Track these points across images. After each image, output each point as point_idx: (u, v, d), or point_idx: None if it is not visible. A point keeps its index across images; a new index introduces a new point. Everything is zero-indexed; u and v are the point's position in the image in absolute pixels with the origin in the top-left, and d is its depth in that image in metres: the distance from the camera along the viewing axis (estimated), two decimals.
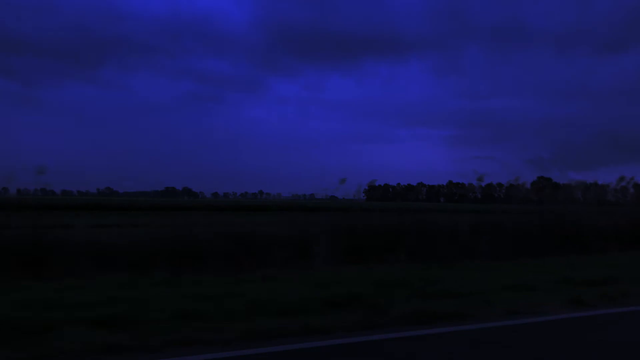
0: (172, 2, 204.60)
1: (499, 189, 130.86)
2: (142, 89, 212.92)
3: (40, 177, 9.64)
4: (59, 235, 8.39)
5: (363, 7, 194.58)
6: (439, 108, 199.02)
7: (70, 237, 8.68)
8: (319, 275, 8.16)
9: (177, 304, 5.80)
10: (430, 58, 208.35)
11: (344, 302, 6.25)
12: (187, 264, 8.28)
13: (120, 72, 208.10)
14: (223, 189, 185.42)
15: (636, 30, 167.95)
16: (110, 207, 48.53)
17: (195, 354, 4.35)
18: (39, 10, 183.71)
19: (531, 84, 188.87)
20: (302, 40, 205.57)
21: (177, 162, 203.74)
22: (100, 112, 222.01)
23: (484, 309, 6.13)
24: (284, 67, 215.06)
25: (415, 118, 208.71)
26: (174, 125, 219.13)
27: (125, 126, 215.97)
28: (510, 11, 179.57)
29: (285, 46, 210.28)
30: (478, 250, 10.89)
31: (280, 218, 16.26)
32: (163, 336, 4.75)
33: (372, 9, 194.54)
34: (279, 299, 6.29)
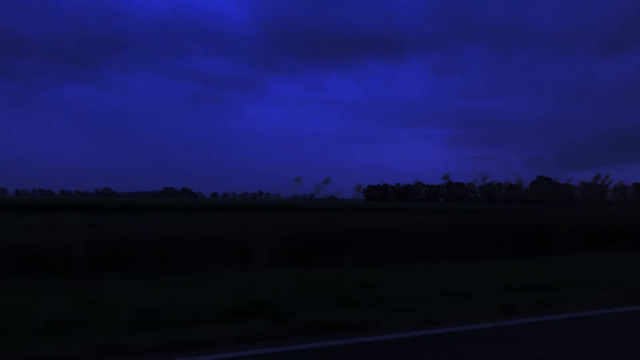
0: (172, 3, 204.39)
1: (498, 189, 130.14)
2: (141, 89, 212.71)
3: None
4: None
5: (363, 7, 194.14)
6: (439, 108, 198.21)
7: None
8: (246, 280, 7.65)
9: (56, 313, 5.30)
10: (430, 58, 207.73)
11: (249, 311, 5.73)
12: (110, 268, 7.77)
13: (119, 72, 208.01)
14: (223, 190, 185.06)
15: (636, 30, 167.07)
16: (93, 207, 47.91)
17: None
18: (39, 11, 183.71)
19: (531, 84, 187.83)
20: (302, 40, 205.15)
21: (176, 162, 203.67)
22: (99, 112, 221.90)
23: (398, 318, 5.60)
24: (284, 67, 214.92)
25: (415, 118, 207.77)
26: (174, 126, 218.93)
27: (125, 126, 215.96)
28: (510, 11, 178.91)
29: (285, 46, 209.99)
30: (436, 252, 10.37)
31: (245, 219, 15.65)
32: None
33: (372, 9, 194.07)
34: (179, 308, 5.79)
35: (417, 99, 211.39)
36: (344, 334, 4.99)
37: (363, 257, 9.42)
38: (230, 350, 4.51)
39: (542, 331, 5.22)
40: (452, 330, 5.13)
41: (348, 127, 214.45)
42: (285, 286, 7.17)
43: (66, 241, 7.65)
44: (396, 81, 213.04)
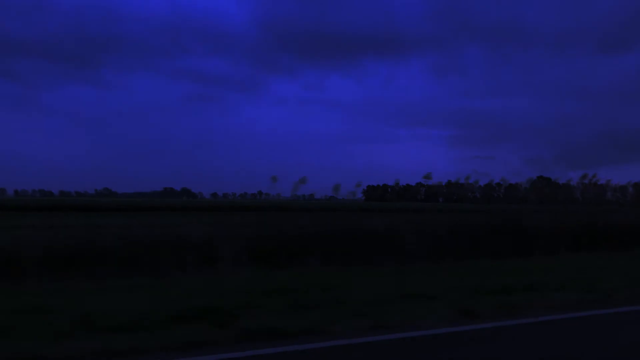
0: (172, 2, 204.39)
1: (497, 189, 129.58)
2: (141, 89, 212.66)
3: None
4: None
5: (363, 6, 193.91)
6: (439, 108, 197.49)
7: None
8: (205, 282, 7.42)
9: None
10: (430, 58, 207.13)
11: (195, 315, 5.50)
12: (66, 270, 7.54)
13: (119, 72, 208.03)
14: (223, 190, 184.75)
15: (636, 30, 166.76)
16: (91, 208, 47.76)
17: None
18: (38, 11, 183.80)
19: (531, 84, 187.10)
20: (302, 40, 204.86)
21: (176, 162, 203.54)
22: (99, 112, 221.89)
23: (351, 323, 5.36)
24: (284, 66, 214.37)
25: (415, 118, 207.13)
26: (173, 126, 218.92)
27: (125, 126, 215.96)
28: (510, 11, 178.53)
29: (285, 46, 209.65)
30: (412, 253, 10.12)
31: (218, 219, 15.40)
32: None
33: (372, 8, 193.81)
34: (123, 312, 5.55)
35: (417, 99, 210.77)
36: (286, 340, 4.75)
37: (334, 259, 9.18)
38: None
39: (496, 338, 4.97)
40: (400, 337, 4.89)
41: (348, 127, 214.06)
42: (243, 289, 6.94)
43: (21, 243, 7.43)
44: (396, 81, 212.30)
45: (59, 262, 7.47)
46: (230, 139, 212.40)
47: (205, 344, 4.67)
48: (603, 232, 12.83)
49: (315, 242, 9.23)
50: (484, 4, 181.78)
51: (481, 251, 10.87)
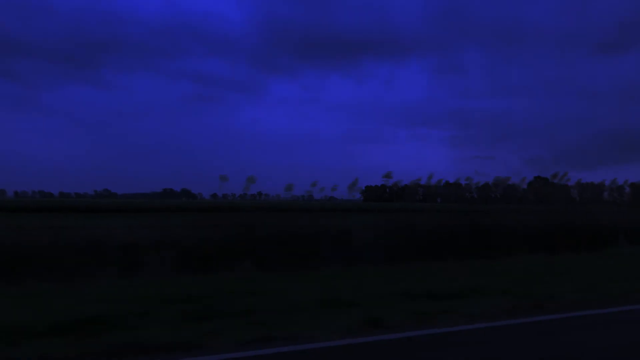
0: (171, 4, 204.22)
1: (495, 189, 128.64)
2: (141, 90, 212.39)
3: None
4: None
5: (362, 8, 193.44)
6: (439, 108, 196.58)
7: None
8: (113, 289, 7.00)
9: None
10: (430, 58, 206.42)
11: (70, 327, 5.10)
12: None
13: (119, 73, 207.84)
14: (222, 190, 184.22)
15: (636, 30, 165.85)
16: (90, 209, 47.34)
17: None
18: (38, 12, 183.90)
19: (531, 84, 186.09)
20: (301, 41, 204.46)
21: (176, 163, 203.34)
22: (99, 113, 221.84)
23: (232, 336, 4.92)
24: (284, 67, 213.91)
25: (415, 118, 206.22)
26: (173, 127, 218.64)
27: (125, 127, 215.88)
28: (509, 11, 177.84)
29: (285, 47, 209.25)
30: (356, 255, 9.70)
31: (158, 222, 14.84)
32: None
33: (372, 9, 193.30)
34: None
35: (417, 99, 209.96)
36: (147, 356, 4.34)
37: (272, 263, 8.75)
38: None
39: (379, 352, 4.54)
40: (276, 352, 4.46)
41: (348, 127, 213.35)
42: (149, 296, 6.53)
43: None
44: (396, 81, 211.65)
45: None
46: (230, 140, 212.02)
47: (69, 358, 4.27)
48: (574, 233, 12.38)
49: (251, 244, 8.80)
50: (484, 4, 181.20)
51: (436, 253, 10.43)
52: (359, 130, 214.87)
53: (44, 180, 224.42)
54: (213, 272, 8.33)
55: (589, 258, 10.68)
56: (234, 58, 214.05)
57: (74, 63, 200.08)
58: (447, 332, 5.19)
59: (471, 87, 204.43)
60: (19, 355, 4.29)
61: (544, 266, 9.80)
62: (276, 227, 9.49)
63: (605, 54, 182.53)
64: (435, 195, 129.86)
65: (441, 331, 5.23)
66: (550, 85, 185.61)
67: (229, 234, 9.09)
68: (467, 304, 6.50)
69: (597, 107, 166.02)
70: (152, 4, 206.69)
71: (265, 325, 5.28)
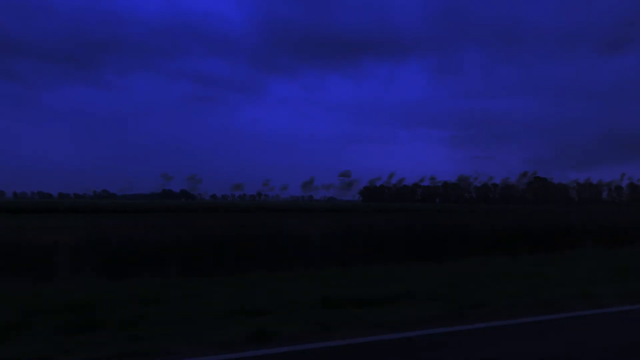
0: (171, 4, 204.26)
1: (493, 189, 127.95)
2: (140, 90, 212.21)
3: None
4: None
5: (362, 8, 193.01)
6: (439, 108, 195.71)
7: None
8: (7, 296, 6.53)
9: None
10: (430, 58, 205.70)
11: None
12: None
13: (119, 73, 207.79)
14: (222, 191, 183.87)
15: (636, 30, 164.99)
16: (89, 209, 46.76)
17: None
18: (38, 12, 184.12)
19: (531, 84, 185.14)
20: (301, 41, 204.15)
21: (175, 164, 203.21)
22: (99, 113, 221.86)
23: (99, 351, 4.45)
24: (283, 68, 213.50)
25: (415, 118, 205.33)
26: (173, 127, 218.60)
27: (124, 128, 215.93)
28: (509, 11, 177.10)
29: (285, 47, 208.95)
30: (293, 258, 9.21)
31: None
32: None
33: (372, 9, 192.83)
34: None
35: (417, 99, 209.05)
36: None
37: (200, 266, 8.28)
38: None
39: None
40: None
41: (348, 127, 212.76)
42: (34, 305, 6.04)
43: None
44: (396, 81, 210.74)
45: None
46: (230, 140, 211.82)
47: None
48: (534, 234, 11.87)
49: (177, 248, 8.32)
50: (484, 4, 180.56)
51: (391, 255, 9.95)
52: (359, 130, 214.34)
53: (44, 181, 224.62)
54: (137, 276, 7.86)
55: (545, 260, 10.15)
56: (234, 58, 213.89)
57: (74, 63, 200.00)
58: (336, 346, 4.69)
59: (471, 87, 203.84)
60: None
61: (494, 269, 9.28)
62: (217, 229, 9.02)
63: (605, 54, 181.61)
64: (434, 196, 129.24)
65: (331, 345, 4.73)
66: (550, 85, 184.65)
67: (164, 236, 8.62)
68: (387, 311, 6.00)
69: (597, 107, 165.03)
70: (152, 4, 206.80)
71: (140, 339, 4.80)
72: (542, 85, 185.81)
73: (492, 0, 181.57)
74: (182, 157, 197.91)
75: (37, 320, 5.39)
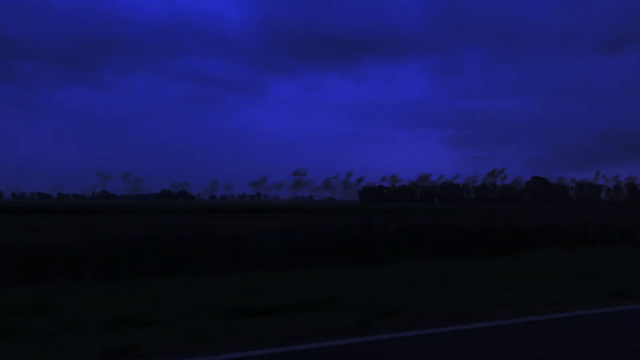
0: (171, 4, 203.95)
1: (492, 189, 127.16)
2: (140, 90, 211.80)
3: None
4: None
5: (362, 8, 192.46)
6: (439, 108, 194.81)
7: None
8: None
9: None
10: (430, 58, 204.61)
11: None
12: None
13: (118, 73, 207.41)
14: (221, 192, 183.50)
15: (636, 30, 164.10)
16: (88, 210, 46.10)
17: None
18: (38, 12, 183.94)
19: (531, 84, 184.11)
20: (301, 41, 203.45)
21: (175, 164, 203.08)
22: (98, 114, 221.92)
23: None
24: (283, 68, 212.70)
25: (415, 118, 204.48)
26: (173, 127, 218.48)
27: (124, 128, 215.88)
28: (509, 11, 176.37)
29: (285, 47, 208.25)
30: (224, 261, 8.70)
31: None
32: None
33: (372, 9, 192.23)
34: None
35: (417, 99, 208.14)
36: None
37: (114, 271, 7.76)
38: None
39: None
40: None
41: (348, 127, 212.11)
42: None
43: None
44: (396, 81, 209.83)
45: None
46: (230, 140, 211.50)
47: None
48: (493, 235, 11.32)
49: (94, 252, 7.82)
50: (484, 4, 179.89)
51: (326, 258, 9.42)
52: (359, 130, 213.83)
53: (44, 182, 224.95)
54: (50, 281, 7.36)
55: (498, 263, 9.61)
56: (234, 58, 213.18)
57: (74, 63, 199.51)
58: None
59: (471, 87, 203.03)
60: None
61: (439, 273, 8.74)
62: (142, 230, 8.52)
63: (605, 54, 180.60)
64: (433, 195, 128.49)
65: None
66: (550, 85, 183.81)
67: (82, 239, 8.12)
68: (282, 321, 5.47)
69: (597, 107, 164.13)
70: (152, 4, 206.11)
71: None
72: (542, 85, 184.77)
73: (492, 0, 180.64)
74: (181, 158, 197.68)
75: None
